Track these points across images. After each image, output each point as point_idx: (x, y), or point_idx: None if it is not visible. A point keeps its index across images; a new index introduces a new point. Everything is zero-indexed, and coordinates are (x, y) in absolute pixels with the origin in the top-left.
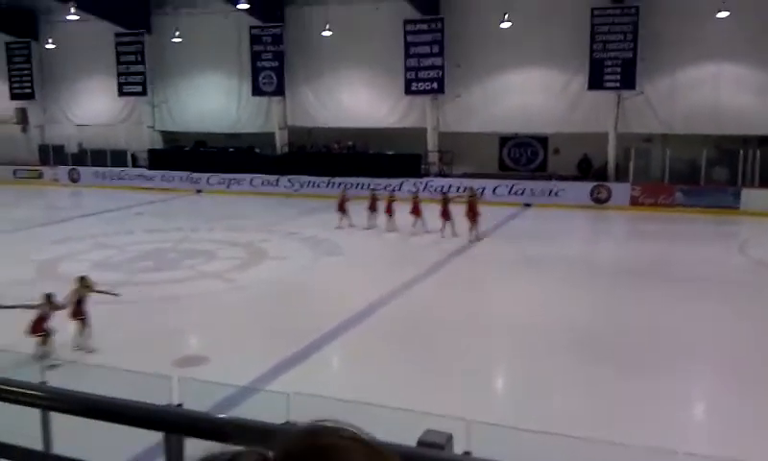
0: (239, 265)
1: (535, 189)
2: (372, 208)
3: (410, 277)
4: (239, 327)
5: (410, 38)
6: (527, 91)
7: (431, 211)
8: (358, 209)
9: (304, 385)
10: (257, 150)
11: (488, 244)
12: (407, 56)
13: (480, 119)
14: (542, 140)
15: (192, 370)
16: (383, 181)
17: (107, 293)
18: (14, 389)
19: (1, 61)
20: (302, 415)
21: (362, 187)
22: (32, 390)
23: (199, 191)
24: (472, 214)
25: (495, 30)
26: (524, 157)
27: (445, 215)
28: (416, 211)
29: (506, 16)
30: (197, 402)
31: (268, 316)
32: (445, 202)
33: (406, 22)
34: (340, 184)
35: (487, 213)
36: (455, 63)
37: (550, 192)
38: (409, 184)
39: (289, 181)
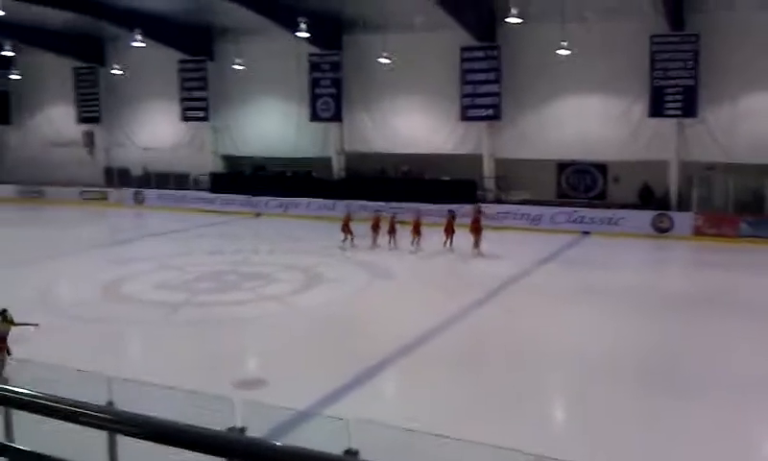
0: (297, 288)
1: (594, 217)
2: (375, 228)
3: (467, 303)
4: (297, 351)
5: (466, 65)
6: (585, 118)
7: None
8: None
9: (363, 411)
10: (314, 174)
11: (546, 272)
12: (463, 82)
13: (537, 146)
14: (602, 168)
15: (251, 392)
16: (438, 208)
17: (26, 325)
18: (82, 410)
19: (69, 86)
20: (363, 442)
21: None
22: (99, 412)
23: (258, 214)
24: (475, 229)
25: (553, 57)
26: (583, 185)
27: (449, 230)
28: (416, 231)
29: (564, 44)
30: (257, 425)
31: (325, 340)
32: (451, 218)
33: (463, 49)
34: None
35: (544, 240)
36: (511, 90)
37: (610, 220)
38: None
39: (346, 205)
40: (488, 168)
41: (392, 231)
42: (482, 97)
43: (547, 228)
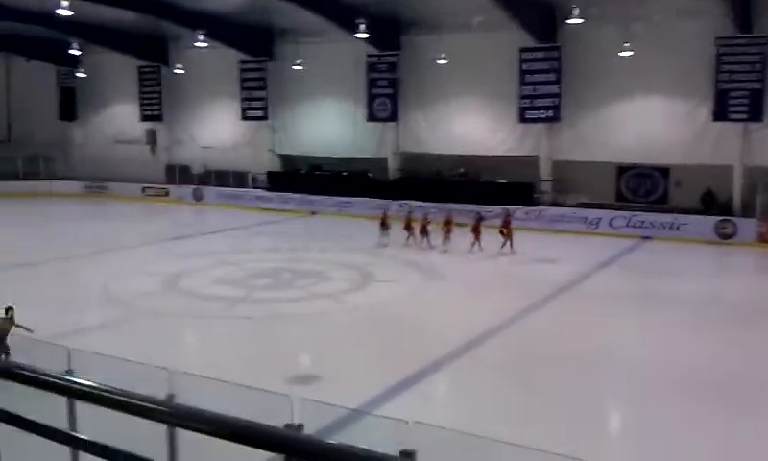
0: (350, 287)
1: (655, 222)
2: (384, 226)
3: (521, 306)
4: (350, 349)
5: (526, 66)
6: (647, 120)
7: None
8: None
9: (413, 412)
10: (370, 174)
11: (604, 277)
12: (522, 83)
13: (596, 148)
14: (663, 171)
15: (304, 388)
16: (495, 209)
17: (25, 328)
18: (143, 403)
19: (134, 84)
20: (420, 444)
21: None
22: (159, 405)
23: (313, 213)
24: (505, 232)
25: (614, 58)
26: (643, 189)
27: (476, 232)
28: (448, 227)
29: (626, 45)
30: (312, 422)
31: (378, 339)
32: (478, 220)
33: (522, 50)
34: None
35: (602, 245)
36: (571, 91)
37: (671, 225)
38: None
39: (400, 205)
40: (545, 170)
41: (424, 232)
42: (541, 98)
43: (606, 231)
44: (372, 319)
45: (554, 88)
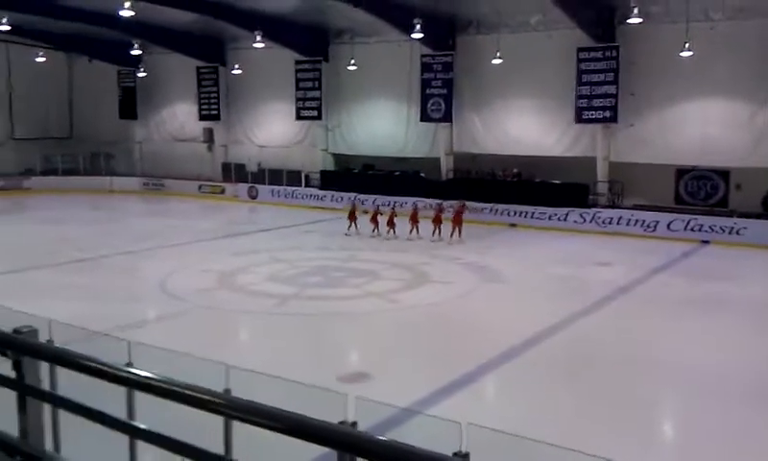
0: (402, 287)
1: (714, 226)
2: (374, 220)
3: (576, 310)
4: (402, 348)
5: (583, 66)
6: (707, 122)
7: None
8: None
9: (466, 413)
10: (423, 174)
11: (661, 281)
12: (579, 83)
13: (654, 150)
14: (723, 174)
15: (355, 386)
16: (549, 211)
17: None
18: (200, 395)
19: (192, 85)
20: (473, 446)
21: (526, 215)
22: (215, 397)
23: (365, 212)
24: (456, 221)
25: (674, 58)
26: (703, 192)
27: (437, 221)
28: (414, 220)
29: (686, 45)
30: (364, 420)
31: (430, 339)
32: (439, 211)
33: (579, 50)
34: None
35: (659, 248)
36: (629, 92)
37: (731, 229)
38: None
39: (452, 206)
40: (601, 172)
41: (390, 223)
42: (598, 99)
43: (663, 235)
44: (424, 319)
45: (611, 89)
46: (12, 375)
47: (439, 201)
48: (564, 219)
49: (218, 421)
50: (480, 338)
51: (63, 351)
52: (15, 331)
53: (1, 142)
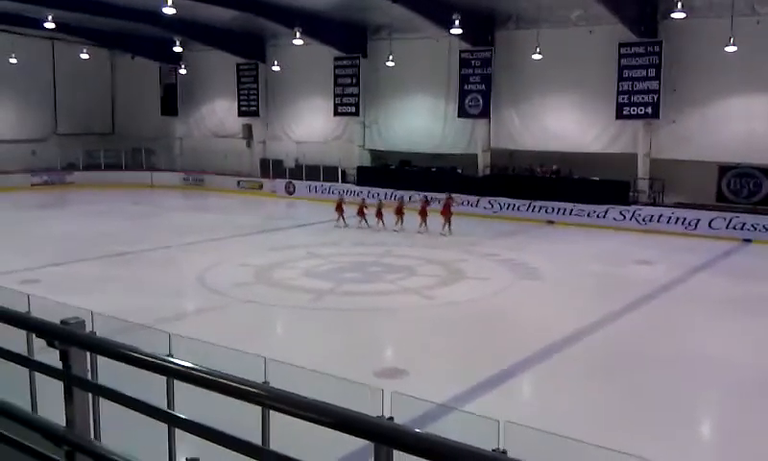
0: (438, 283)
1: (757, 224)
2: (361, 213)
3: (615, 308)
4: (438, 345)
5: (624, 62)
6: (752, 119)
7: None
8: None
9: (502, 411)
10: (459, 170)
11: (702, 280)
12: (620, 79)
13: (696, 146)
14: (767, 172)
15: (391, 382)
16: (588, 208)
17: None
18: (239, 385)
19: (232, 81)
20: (510, 443)
21: (564, 212)
22: (254, 388)
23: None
24: (445, 213)
25: (719, 53)
26: (746, 189)
27: (423, 214)
28: (399, 212)
29: (731, 40)
30: (401, 415)
31: (465, 336)
32: (425, 204)
33: (621, 45)
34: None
35: (701, 247)
36: (671, 88)
37: None
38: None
39: (489, 202)
40: (642, 169)
41: (379, 215)
42: (639, 95)
43: (704, 233)
44: (460, 315)
45: (653, 84)
46: (59, 365)
47: (425, 194)
48: (604, 216)
49: (254, 413)
50: (517, 335)
51: (109, 343)
52: (63, 323)
53: (45, 137)
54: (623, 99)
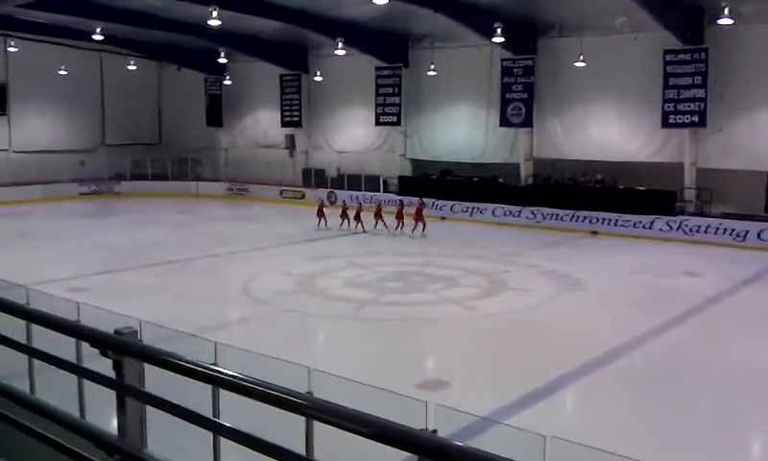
0: (480, 294)
1: None
2: (344, 215)
3: (662, 321)
4: (478, 357)
5: (670, 69)
6: None
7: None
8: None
9: (545, 425)
10: (501, 180)
11: (751, 293)
12: (666, 87)
13: (745, 155)
14: None
15: (432, 393)
16: (633, 218)
17: None
18: (283, 395)
19: (275, 92)
20: (554, 458)
21: (609, 223)
22: (298, 398)
23: (443, 218)
24: (418, 217)
25: (767, 61)
26: None
27: (399, 217)
28: (378, 215)
29: None
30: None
31: (507, 348)
32: (401, 207)
33: (666, 52)
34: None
35: (750, 258)
36: (718, 95)
37: None
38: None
39: (532, 212)
40: (689, 178)
41: (357, 218)
42: (686, 103)
43: (753, 245)
44: (502, 327)
45: (700, 92)
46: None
47: (401, 198)
48: (650, 227)
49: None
50: (560, 348)
51: (161, 352)
52: (117, 332)
53: (94, 148)
54: (669, 107)
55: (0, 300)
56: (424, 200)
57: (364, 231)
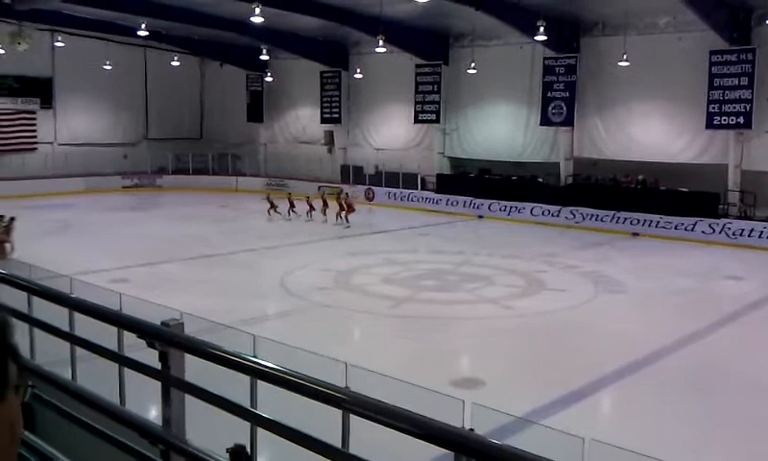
0: (517, 293)
1: None
2: (272, 205)
3: (703, 325)
4: (515, 356)
5: (715, 70)
6: None
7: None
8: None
9: (581, 427)
10: (540, 179)
11: None
12: (711, 88)
13: None
14: None
15: (468, 392)
16: (675, 220)
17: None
18: (321, 389)
19: (315, 89)
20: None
21: (650, 224)
22: (335, 391)
23: (480, 217)
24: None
25: None
26: None
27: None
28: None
29: None
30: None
31: (544, 348)
32: (339, 195)
33: (712, 53)
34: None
35: None
36: (765, 97)
37: None
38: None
39: (571, 212)
40: (732, 180)
41: (291, 206)
42: (731, 104)
43: None
44: (539, 327)
45: (746, 93)
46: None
47: (341, 188)
48: (692, 229)
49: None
50: (598, 350)
51: (205, 345)
52: (163, 324)
53: (137, 142)
54: (713, 108)
55: (48, 289)
56: (347, 192)
57: (311, 220)
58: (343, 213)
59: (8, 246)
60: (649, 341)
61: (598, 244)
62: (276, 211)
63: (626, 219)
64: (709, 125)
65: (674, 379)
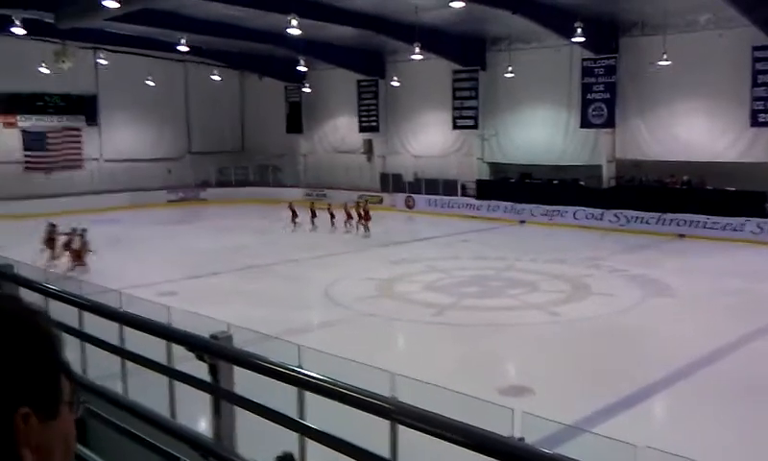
0: (562, 299)
1: None
2: (294, 214)
3: (754, 328)
4: (563, 363)
5: (759, 66)
6: None
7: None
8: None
9: (631, 435)
10: (582, 182)
11: None
12: (755, 84)
13: None
14: None
15: (516, 400)
16: (722, 220)
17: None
18: (368, 399)
19: (353, 98)
20: None
21: (696, 225)
22: (382, 402)
23: (522, 222)
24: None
25: None
26: None
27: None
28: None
29: None
30: (528, 436)
31: (591, 355)
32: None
33: (755, 48)
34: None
35: None
36: None
37: None
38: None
39: (615, 215)
40: None
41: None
42: None
43: None
44: (586, 333)
45: None
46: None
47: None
48: (740, 229)
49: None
50: (647, 355)
51: (254, 357)
52: (213, 337)
53: (180, 156)
54: (758, 105)
55: (98, 304)
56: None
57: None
58: (362, 222)
59: (86, 256)
60: (701, 345)
61: (643, 247)
62: (297, 222)
63: (672, 220)
64: (754, 122)
65: (727, 384)
